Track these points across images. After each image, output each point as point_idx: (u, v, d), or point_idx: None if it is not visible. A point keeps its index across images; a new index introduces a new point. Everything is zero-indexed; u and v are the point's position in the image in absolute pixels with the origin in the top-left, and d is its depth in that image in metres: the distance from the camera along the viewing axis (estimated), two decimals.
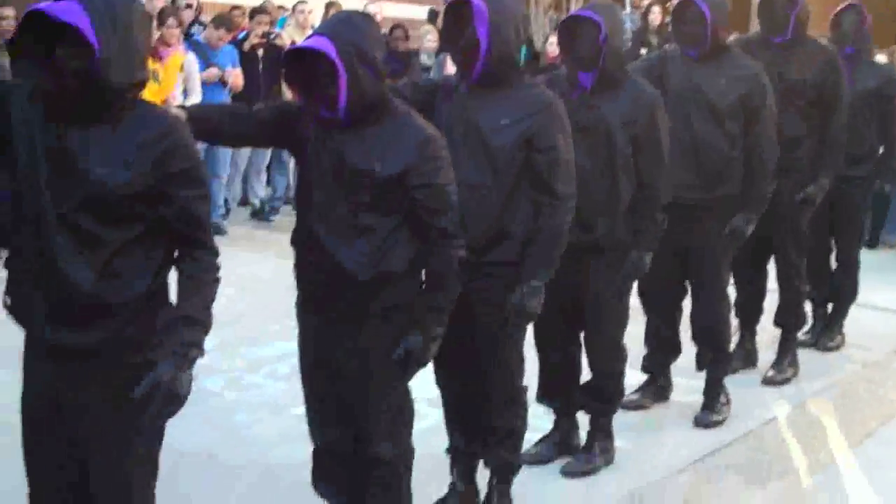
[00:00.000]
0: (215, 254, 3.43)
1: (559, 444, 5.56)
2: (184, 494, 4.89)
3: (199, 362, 6.45)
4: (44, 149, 3.25)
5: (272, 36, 10.90)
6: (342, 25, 3.90)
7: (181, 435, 5.41)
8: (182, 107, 4.02)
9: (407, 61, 12.04)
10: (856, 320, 8.01)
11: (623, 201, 5.19)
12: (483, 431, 4.75)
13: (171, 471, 4.95)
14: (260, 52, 10.92)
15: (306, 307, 4.10)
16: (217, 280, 3.43)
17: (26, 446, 3.49)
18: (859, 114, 7.28)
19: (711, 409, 6.18)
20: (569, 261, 4.91)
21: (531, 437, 5.52)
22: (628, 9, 14.45)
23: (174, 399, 3.25)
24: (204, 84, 10.26)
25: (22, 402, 3.50)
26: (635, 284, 5.69)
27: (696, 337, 6.24)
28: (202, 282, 3.37)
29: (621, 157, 5.15)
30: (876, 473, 5.67)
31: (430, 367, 4.37)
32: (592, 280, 5.25)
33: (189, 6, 11.53)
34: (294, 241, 4.09)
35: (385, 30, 12.58)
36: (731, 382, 6.67)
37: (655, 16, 13.27)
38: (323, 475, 4.23)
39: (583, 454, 5.48)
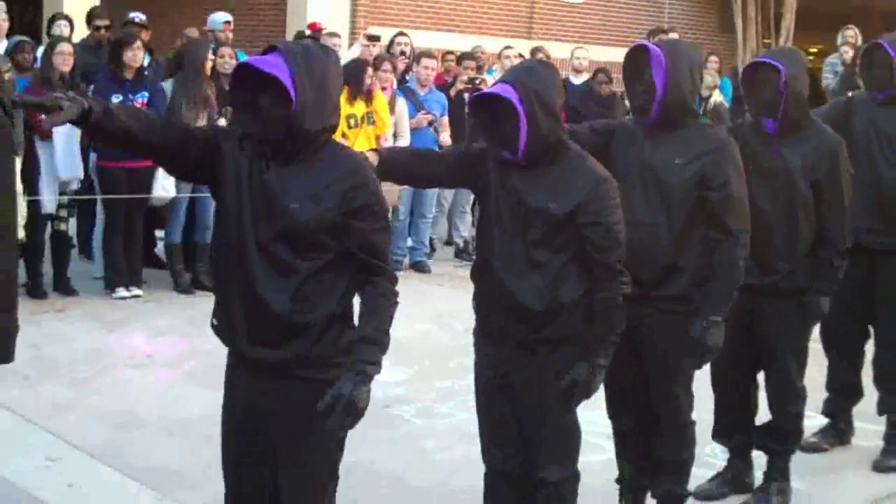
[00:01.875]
0: (393, 281, 3.75)
1: (732, 481, 5.67)
2: None
3: (395, 392, 6.92)
4: (248, 186, 3.66)
5: (478, 81, 11.29)
6: (524, 74, 4.23)
7: (373, 457, 5.86)
8: (375, 150, 4.37)
9: (610, 104, 12.25)
10: None
11: (803, 245, 5.31)
12: (651, 463, 4.94)
13: (362, 490, 5.37)
14: (466, 96, 11.30)
15: (484, 336, 4.40)
16: (395, 304, 3.74)
17: (224, 452, 3.89)
18: None
19: (891, 454, 6.18)
20: (748, 302, 5.17)
21: (705, 474, 5.71)
22: (840, 52, 14.25)
23: (354, 411, 3.56)
24: (413, 128, 10.71)
25: (223, 413, 3.91)
26: (816, 327, 5.80)
27: (877, 381, 6.26)
28: (380, 306, 3.69)
29: (802, 201, 5.27)
30: None
31: None
32: (772, 322, 5.38)
33: (403, 53, 12.02)
34: (473, 275, 4.39)
35: (589, 74, 12.87)
36: None
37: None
38: (494, 496, 4.50)
39: (759, 494, 5.57)
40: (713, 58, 14.49)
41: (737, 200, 4.70)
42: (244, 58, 9.49)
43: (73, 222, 9.23)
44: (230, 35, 10.95)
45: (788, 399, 5.50)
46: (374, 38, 11.62)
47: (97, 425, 6.15)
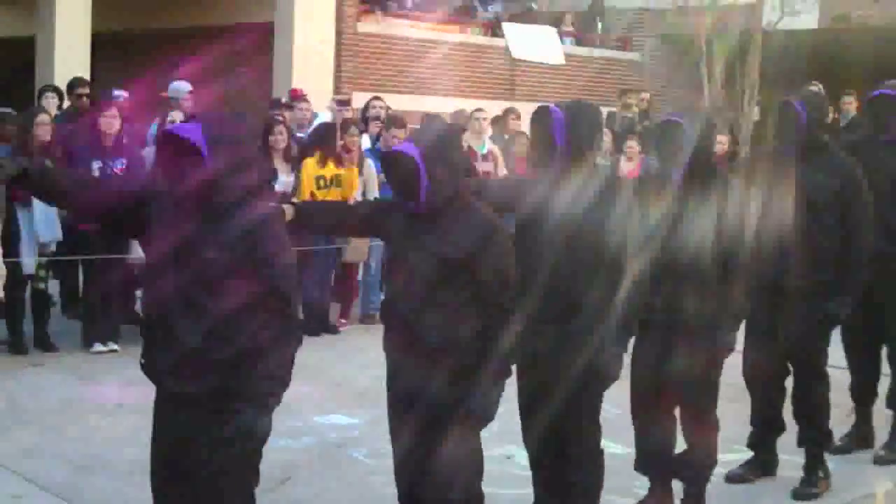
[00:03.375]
0: (296, 322, 4.21)
1: None
2: None
3: (351, 434, 7.32)
4: (171, 238, 4.13)
5: None
6: (427, 134, 4.72)
7: (319, 492, 6.26)
8: (293, 203, 4.83)
9: None
10: None
11: (710, 284, 5.73)
12: (563, 487, 5.34)
13: None
14: None
15: (393, 371, 4.83)
16: (297, 343, 4.22)
17: (152, 473, 4.33)
18: None
19: (809, 483, 6.56)
20: (662, 339, 5.66)
21: (624, 502, 6.10)
22: None
23: (254, 439, 4.03)
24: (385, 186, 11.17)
25: (151, 444, 4.36)
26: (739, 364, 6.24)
27: (796, 416, 6.66)
28: (282, 344, 4.15)
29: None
30: None
31: None
32: (684, 358, 5.79)
33: (378, 117, 12.52)
34: (381, 316, 4.84)
35: None
36: (843, 460, 7.11)
37: None
38: None
39: None
40: None
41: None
42: None
43: (54, 283, 9.68)
44: (191, 104, 11.39)
45: (701, 431, 5.90)
46: (343, 103, 12.14)
47: (63, 467, 6.56)
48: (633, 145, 12.60)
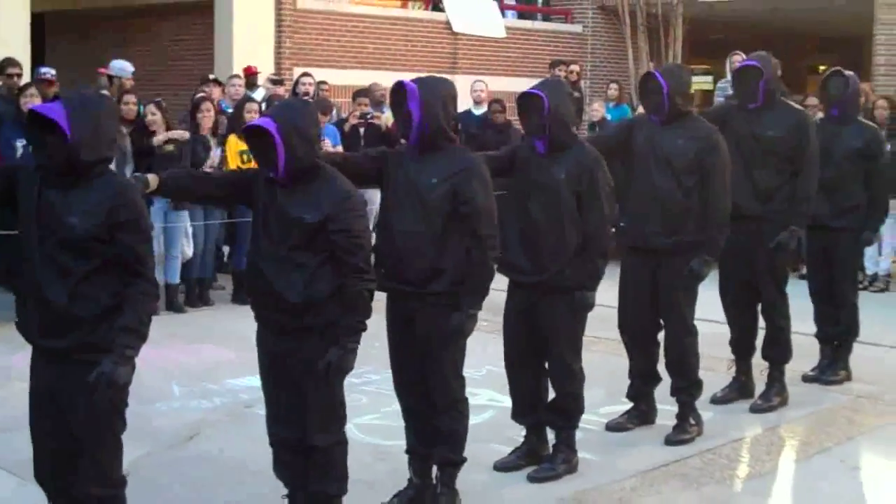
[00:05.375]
0: (152, 283, 4.64)
1: (528, 454, 6.51)
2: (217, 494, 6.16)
3: (260, 396, 7.67)
4: (37, 206, 4.53)
5: (370, 116, 12.22)
6: (283, 108, 5.19)
7: (223, 446, 6.67)
8: (158, 174, 5.21)
9: (505, 131, 13.18)
10: (872, 359, 8.82)
11: (569, 247, 6.16)
12: (431, 434, 5.77)
13: (209, 473, 6.21)
14: (361, 130, 12.25)
15: (260, 327, 5.25)
16: (153, 300, 4.66)
17: (30, 423, 4.78)
18: (847, 170, 8.10)
19: (681, 430, 7.03)
20: (527, 299, 6.12)
21: (506, 449, 6.56)
22: (728, 76, 15.22)
23: (114, 386, 4.44)
24: None
25: (29, 392, 4.79)
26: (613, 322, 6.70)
27: (668, 367, 7.13)
28: (139, 302, 4.57)
29: (567, 210, 6.14)
30: (807, 481, 6.50)
31: None
32: (547, 315, 6.25)
33: (307, 93, 12.92)
34: (246, 275, 5.26)
35: (486, 106, 13.80)
36: (723, 410, 7.61)
37: None
38: (279, 463, 5.34)
39: (546, 463, 6.42)
40: (613, 85, 15.64)
41: (483, 211, 5.54)
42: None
43: None
44: (132, 83, 11.78)
45: (566, 381, 6.35)
46: (277, 82, 12.55)
47: None
48: None
